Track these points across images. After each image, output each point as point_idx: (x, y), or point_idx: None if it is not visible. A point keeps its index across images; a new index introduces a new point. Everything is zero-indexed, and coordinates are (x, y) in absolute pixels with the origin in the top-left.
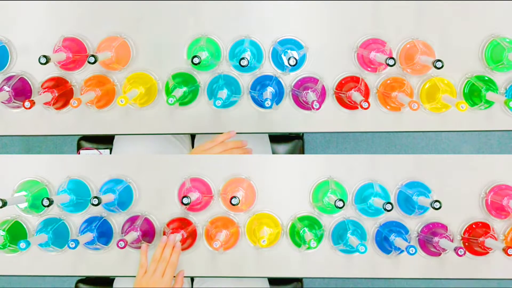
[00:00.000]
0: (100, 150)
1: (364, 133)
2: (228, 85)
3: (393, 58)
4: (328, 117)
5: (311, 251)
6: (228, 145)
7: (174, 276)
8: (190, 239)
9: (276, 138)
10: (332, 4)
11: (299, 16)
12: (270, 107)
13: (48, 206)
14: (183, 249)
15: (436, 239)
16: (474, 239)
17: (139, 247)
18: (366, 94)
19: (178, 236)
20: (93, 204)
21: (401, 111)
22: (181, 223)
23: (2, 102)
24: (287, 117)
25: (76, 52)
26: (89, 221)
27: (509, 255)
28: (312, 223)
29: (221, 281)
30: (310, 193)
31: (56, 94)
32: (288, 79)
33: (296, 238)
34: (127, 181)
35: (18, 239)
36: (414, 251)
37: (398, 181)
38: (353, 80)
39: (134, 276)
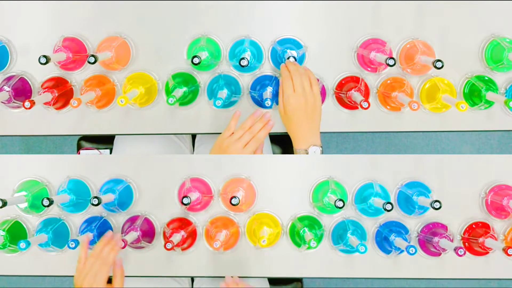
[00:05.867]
0: (100, 150)
1: (364, 133)
2: (228, 85)
3: (393, 58)
4: (328, 117)
5: (311, 251)
6: (255, 129)
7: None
8: (190, 239)
9: (276, 138)
10: (332, 4)
11: (300, 16)
12: (270, 107)
13: (48, 206)
14: (183, 249)
15: (436, 239)
16: (474, 239)
17: (139, 247)
18: (366, 94)
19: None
20: (93, 204)
21: (401, 111)
22: (181, 223)
23: (2, 102)
24: None
25: (76, 52)
26: (89, 221)
27: (509, 255)
28: (312, 223)
29: (221, 281)
30: (310, 193)
31: (56, 94)
32: None
33: (296, 238)
34: (127, 181)
35: (18, 239)
36: (414, 251)
37: (398, 181)
38: (353, 80)
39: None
